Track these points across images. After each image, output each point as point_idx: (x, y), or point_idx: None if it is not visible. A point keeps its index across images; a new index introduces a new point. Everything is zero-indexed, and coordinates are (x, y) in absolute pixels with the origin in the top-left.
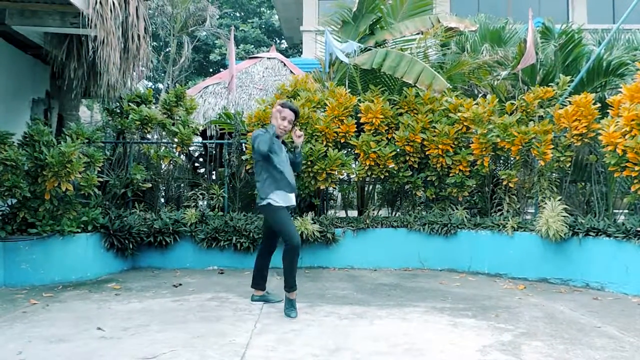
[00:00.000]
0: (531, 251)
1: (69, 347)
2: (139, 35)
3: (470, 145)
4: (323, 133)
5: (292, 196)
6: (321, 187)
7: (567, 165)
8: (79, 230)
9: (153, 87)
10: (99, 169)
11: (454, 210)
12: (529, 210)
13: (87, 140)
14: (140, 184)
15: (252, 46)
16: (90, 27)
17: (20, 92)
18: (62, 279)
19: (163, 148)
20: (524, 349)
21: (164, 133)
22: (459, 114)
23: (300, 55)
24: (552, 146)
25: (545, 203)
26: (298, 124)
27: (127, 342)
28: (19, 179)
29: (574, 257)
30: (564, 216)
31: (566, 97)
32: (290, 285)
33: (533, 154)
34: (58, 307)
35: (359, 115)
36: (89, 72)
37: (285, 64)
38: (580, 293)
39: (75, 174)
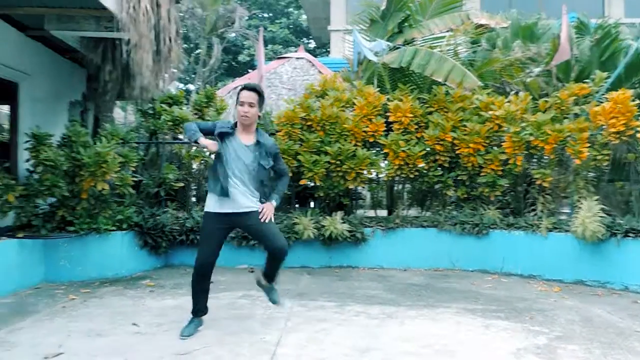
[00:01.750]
0: (566, 252)
1: (106, 342)
2: (170, 38)
3: (502, 143)
4: (352, 132)
5: (225, 201)
6: (350, 187)
7: (604, 164)
8: (114, 229)
9: (184, 88)
10: (133, 169)
11: (485, 210)
12: (563, 211)
13: (121, 141)
14: (172, 183)
15: (281, 46)
16: (124, 31)
17: (58, 95)
18: (99, 275)
19: (194, 148)
20: (560, 352)
21: None
22: (491, 112)
23: (328, 55)
24: (588, 144)
25: (581, 203)
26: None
27: (161, 338)
28: (58, 178)
29: (612, 259)
30: (601, 216)
31: (603, 94)
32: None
33: (568, 153)
34: (95, 302)
35: (387, 114)
36: (123, 75)
37: (313, 64)
38: (619, 296)
39: (111, 174)
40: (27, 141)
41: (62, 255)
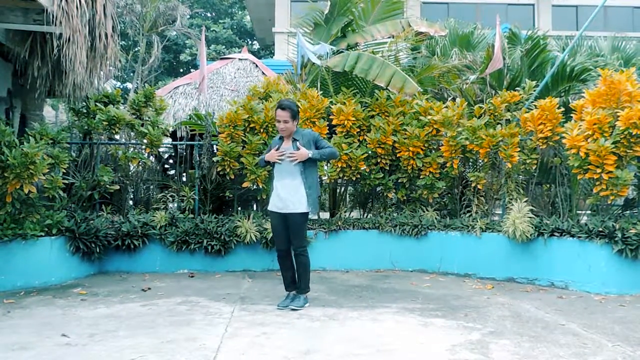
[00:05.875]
0: (499, 251)
1: (31, 355)
2: (106, 34)
3: (440, 147)
4: None
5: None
6: None
7: (533, 168)
8: (43, 234)
9: (121, 87)
10: (64, 171)
11: (424, 212)
12: (496, 212)
13: (51, 141)
14: (107, 186)
15: (224, 47)
16: (55, 25)
17: None
18: (25, 284)
19: (132, 149)
20: (492, 347)
21: (132, 134)
22: (429, 117)
23: (272, 57)
24: (519, 149)
25: (512, 204)
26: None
27: (93, 349)
28: None
29: (539, 257)
30: (530, 217)
31: (532, 102)
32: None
33: (500, 157)
34: (20, 313)
35: (330, 117)
36: (53, 71)
37: (257, 65)
38: (546, 292)
39: (39, 176)
40: None
41: None
